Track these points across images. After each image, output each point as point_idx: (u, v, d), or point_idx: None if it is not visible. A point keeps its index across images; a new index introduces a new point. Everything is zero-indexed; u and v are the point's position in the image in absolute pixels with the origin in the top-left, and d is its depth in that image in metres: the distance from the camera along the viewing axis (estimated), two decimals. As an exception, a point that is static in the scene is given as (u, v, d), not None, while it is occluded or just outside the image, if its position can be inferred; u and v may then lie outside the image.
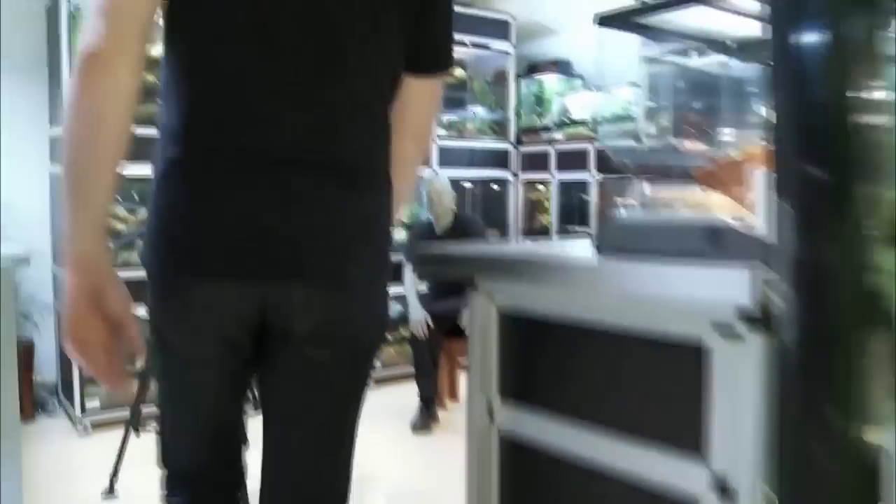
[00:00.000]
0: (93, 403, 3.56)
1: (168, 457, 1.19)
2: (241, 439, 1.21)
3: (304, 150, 1.04)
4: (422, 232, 3.98)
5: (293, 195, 1.03)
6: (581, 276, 0.94)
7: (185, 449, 1.18)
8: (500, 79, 5.23)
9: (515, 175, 5.20)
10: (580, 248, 1.18)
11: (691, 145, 1.51)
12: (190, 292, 1.05)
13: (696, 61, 4.74)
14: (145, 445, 2.86)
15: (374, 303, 1.14)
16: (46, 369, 3.93)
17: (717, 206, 0.89)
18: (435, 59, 1.21)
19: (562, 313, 1.04)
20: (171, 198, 1.05)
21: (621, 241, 0.88)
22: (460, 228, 3.96)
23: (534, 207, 5.26)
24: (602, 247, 0.93)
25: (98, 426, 3.55)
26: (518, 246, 1.36)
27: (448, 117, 4.90)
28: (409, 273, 3.87)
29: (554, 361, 1.10)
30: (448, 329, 3.81)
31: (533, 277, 1.02)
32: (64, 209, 1.00)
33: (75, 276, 0.99)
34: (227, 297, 1.05)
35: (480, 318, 1.19)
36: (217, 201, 1.03)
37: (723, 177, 0.92)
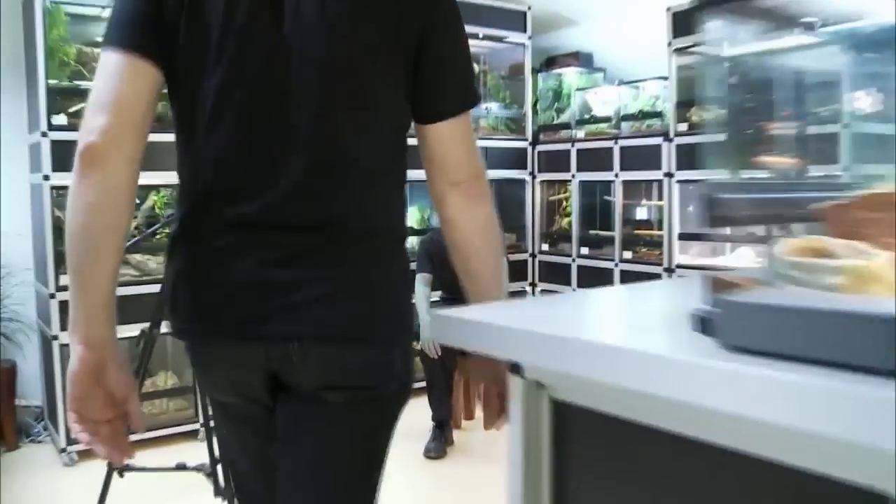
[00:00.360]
0: (78, 432, 3.28)
1: (236, 491, 1.32)
2: None
3: (287, 215, 1.07)
4: (435, 240, 3.67)
5: (280, 260, 1.07)
6: (691, 381, 0.59)
7: (243, 484, 1.30)
8: (515, 73, 4.90)
9: (533, 175, 4.88)
10: (666, 321, 0.85)
11: (772, 160, 1.20)
12: (203, 356, 1.19)
13: (736, 50, 4.41)
14: (132, 481, 2.67)
15: (380, 355, 1.14)
16: (31, 393, 3.66)
17: (886, 278, 0.56)
18: (447, 102, 1.15)
19: (657, 422, 0.71)
20: (174, 263, 1.15)
21: (754, 336, 0.55)
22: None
23: (553, 210, 4.94)
24: (721, 337, 0.59)
25: (85, 455, 3.28)
26: (580, 316, 0.97)
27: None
28: (420, 285, 3.55)
29: (638, 477, 0.77)
30: (463, 346, 3.50)
31: (612, 374, 0.66)
32: (70, 292, 1.06)
33: (79, 353, 1.04)
34: (232, 359, 1.14)
35: (526, 410, 0.86)
36: (207, 269, 1.10)
37: (867, 218, 0.61)
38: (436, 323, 0.90)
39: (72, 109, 3.26)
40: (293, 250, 1.07)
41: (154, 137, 1.08)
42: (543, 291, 4.84)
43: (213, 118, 1.06)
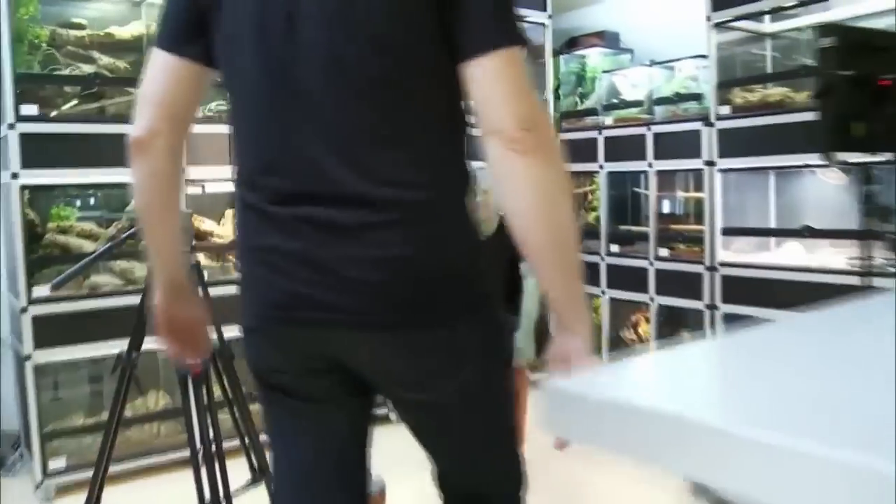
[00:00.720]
0: (57, 464, 2.91)
1: None
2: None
3: (325, 188, 1.07)
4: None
5: (325, 239, 1.07)
6: None
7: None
8: (535, 56, 4.51)
9: (555, 167, 4.48)
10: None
11: None
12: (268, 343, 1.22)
13: (775, 26, 4.02)
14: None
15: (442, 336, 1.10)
16: (6, 419, 3.27)
17: None
18: (473, 39, 1.04)
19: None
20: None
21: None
22: (508, 240, 3.27)
23: (578, 203, 4.55)
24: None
25: (64, 490, 2.91)
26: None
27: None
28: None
29: None
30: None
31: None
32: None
33: (160, 291, 1.28)
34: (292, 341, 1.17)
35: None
36: (256, 256, 1.16)
37: None
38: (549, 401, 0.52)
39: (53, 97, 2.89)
40: (337, 226, 1.06)
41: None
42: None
43: (245, 98, 1.13)
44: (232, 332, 1.63)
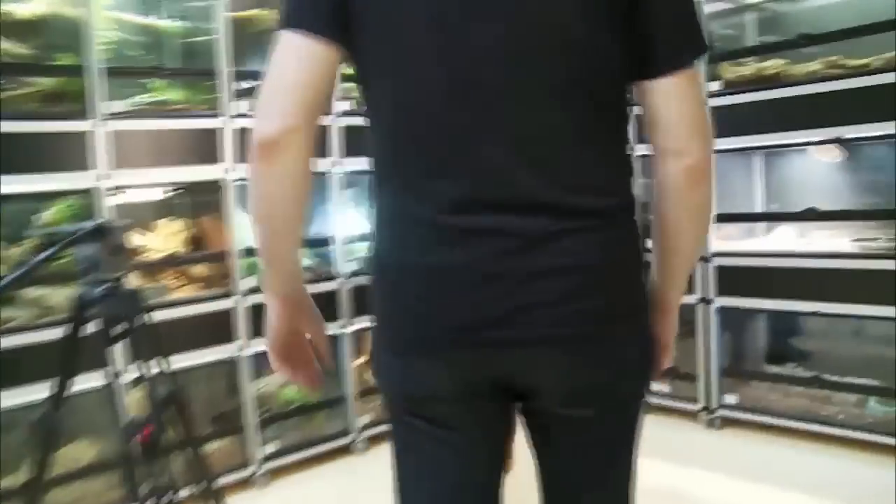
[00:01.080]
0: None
1: None
2: None
3: (507, 194, 1.01)
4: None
5: (511, 250, 1.01)
6: None
7: None
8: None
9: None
10: None
11: None
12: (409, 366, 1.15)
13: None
14: None
15: (608, 350, 1.07)
16: None
17: None
18: (660, 49, 1.02)
19: None
20: (373, 264, 1.16)
21: None
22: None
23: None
24: None
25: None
26: None
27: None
28: None
29: None
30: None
31: None
32: (260, 257, 1.14)
33: (275, 308, 1.17)
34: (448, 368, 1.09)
35: None
36: (414, 266, 1.08)
37: None
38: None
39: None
40: (519, 236, 1.00)
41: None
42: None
43: (408, 93, 1.02)
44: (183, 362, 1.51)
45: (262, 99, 1.01)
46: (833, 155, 3.22)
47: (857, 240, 3.03)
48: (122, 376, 1.98)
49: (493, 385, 1.09)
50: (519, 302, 1.00)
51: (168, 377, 1.82)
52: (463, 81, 0.99)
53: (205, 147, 2.90)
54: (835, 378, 3.10)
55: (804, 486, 2.70)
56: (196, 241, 3.18)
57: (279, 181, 1.03)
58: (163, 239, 2.99)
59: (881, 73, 2.80)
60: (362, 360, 3.50)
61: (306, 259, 3.46)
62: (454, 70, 0.99)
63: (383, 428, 3.51)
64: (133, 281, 2.12)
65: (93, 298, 1.72)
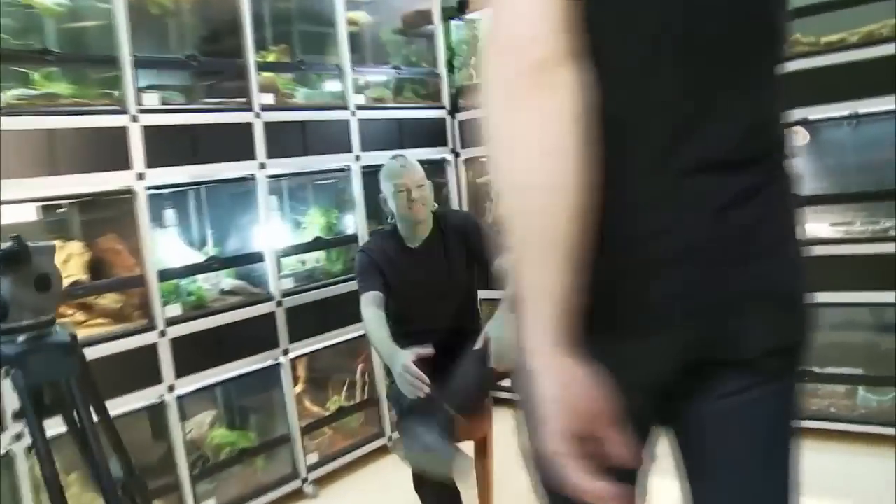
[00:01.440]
0: None
1: None
2: None
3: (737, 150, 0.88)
4: (384, 249, 2.49)
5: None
6: None
7: None
8: (419, 22, 3.78)
9: (456, 153, 3.80)
10: None
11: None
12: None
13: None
14: None
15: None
16: None
17: None
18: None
19: None
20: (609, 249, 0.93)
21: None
22: (454, 239, 2.51)
23: (483, 194, 3.88)
24: None
25: None
26: None
27: (360, 80, 3.29)
28: (369, 308, 2.35)
29: None
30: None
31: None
32: (520, 295, 0.81)
33: (547, 385, 0.78)
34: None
35: None
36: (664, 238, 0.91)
37: None
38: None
39: None
40: (777, 197, 0.91)
41: None
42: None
43: (654, 50, 0.84)
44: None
45: (509, 17, 0.77)
46: (801, 137, 3.08)
47: (835, 224, 2.88)
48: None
49: (698, 365, 0.98)
50: (780, 270, 0.93)
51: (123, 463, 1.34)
52: (707, 38, 0.86)
53: (105, 150, 2.38)
54: (819, 370, 2.94)
55: (804, 486, 2.50)
56: (96, 266, 2.63)
57: (557, 119, 0.75)
58: (59, 265, 2.43)
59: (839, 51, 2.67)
60: (299, 389, 3.05)
61: (229, 280, 2.98)
62: (700, 26, 0.86)
63: (335, 465, 3.14)
64: (69, 326, 1.62)
65: (9, 356, 1.23)
